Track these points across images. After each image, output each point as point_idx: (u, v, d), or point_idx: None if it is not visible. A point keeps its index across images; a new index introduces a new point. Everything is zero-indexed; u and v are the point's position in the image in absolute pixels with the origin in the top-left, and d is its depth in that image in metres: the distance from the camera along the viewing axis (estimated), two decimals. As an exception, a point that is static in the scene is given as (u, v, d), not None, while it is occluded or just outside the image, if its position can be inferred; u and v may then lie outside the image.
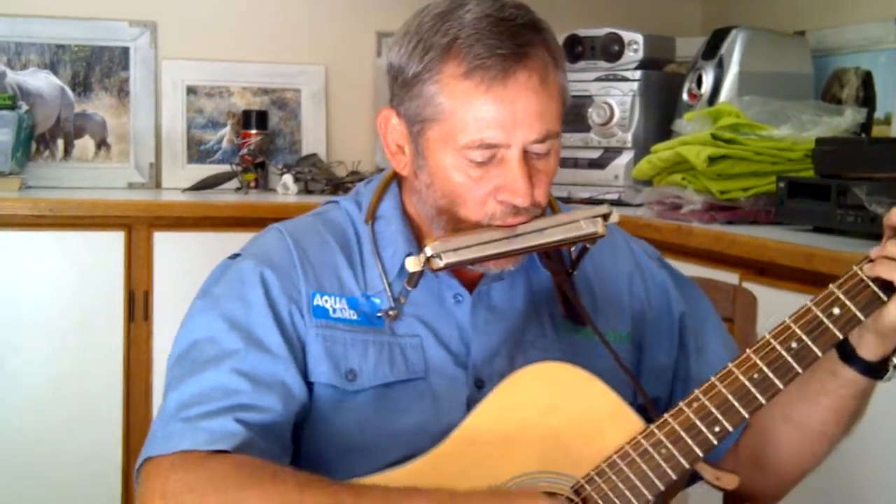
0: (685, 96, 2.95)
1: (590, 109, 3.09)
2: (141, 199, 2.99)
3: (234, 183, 3.35)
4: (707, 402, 1.24)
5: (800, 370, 1.23)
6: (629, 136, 3.07)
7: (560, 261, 1.39)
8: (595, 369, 1.30)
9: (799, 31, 3.06)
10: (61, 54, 3.30)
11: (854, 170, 2.28)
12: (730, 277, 2.26)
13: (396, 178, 1.45)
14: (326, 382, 1.34)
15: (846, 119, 2.64)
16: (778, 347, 1.23)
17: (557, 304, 1.39)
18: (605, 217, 1.33)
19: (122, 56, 3.35)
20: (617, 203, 3.00)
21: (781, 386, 1.23)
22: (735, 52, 2.85)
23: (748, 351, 1.25)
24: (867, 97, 2.86)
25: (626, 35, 3.11)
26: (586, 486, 1.26)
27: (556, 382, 1.29)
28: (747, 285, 2.09)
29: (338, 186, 3.32)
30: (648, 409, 1.31)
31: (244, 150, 3.37)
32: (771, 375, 1.23)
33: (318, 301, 1.36)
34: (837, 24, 3.00)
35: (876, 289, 1.21)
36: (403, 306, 1.37)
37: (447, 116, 1.29)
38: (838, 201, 2.24)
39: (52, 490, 2.81)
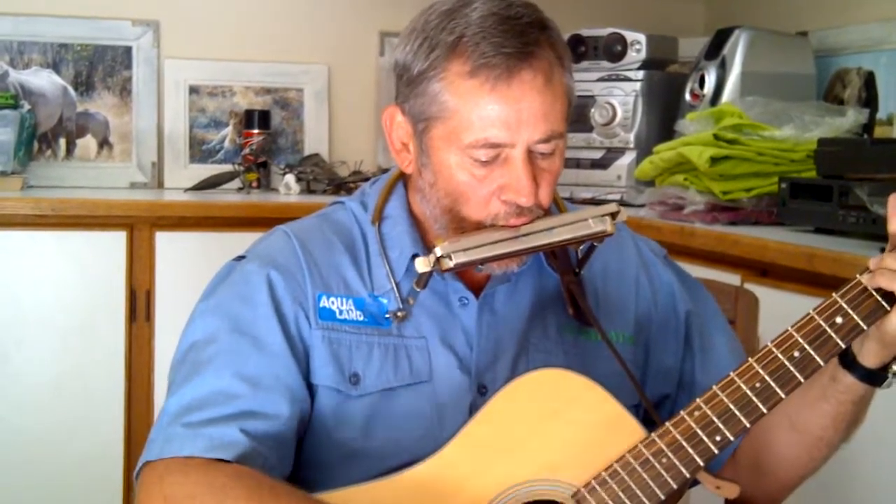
0: (688, 96, 2.94)
1: (592, 109, 3.09)
2: (143, 198, 2.99)
3: (236, 183, 3.34)
4: (708, 411, 1.24)
5: (802, 379, 1.23)
6: (632, 137, 3.06)
7: (567, 261, 1.39)
8: (598, 372, 1.30)
9: (801, 32, 3.05)
10: (64, 53, 3.30)
11: (856, 170, 2.28)
12: (732, 278, 2.26)
13: (402, 178, 1.44)
14: (330, 385, 1.34)
15: (848, 120, 2.64)
16: (780, 356, 1.23)
17: (565, 305, 1.38)
18: (614, 215, 1.33)
19: (124, 55, 3.35)
20: (619, 203, 2.98)
21: (783, 395, 1.23)
22: (738, 52, 2.85)
23: (750, 360, 1.24)
24: (869, 98, 2.86)
25: (629, 35, 3.10)
26: (587, 494, 1.26)
27: (556, 389, 1.29)
28: (749, 286, 2.09)
29: (340, 186, 3.32)
30: (651, 414, 1.31)
31: (246, 150, 3.36)
32: (773, 384, 1.23)
33: (324, 303, 1.36)
34: (840, 24, 3.00)
35: (879, 298, 1.21)
36: (412, 307, 1.37)
37: (452, 115, 1.28)
38: (840, 202, 2.24)
39: (54, 490, 2.81)
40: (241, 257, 1.42)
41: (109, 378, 2.83)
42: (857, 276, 1.23)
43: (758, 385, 1.23)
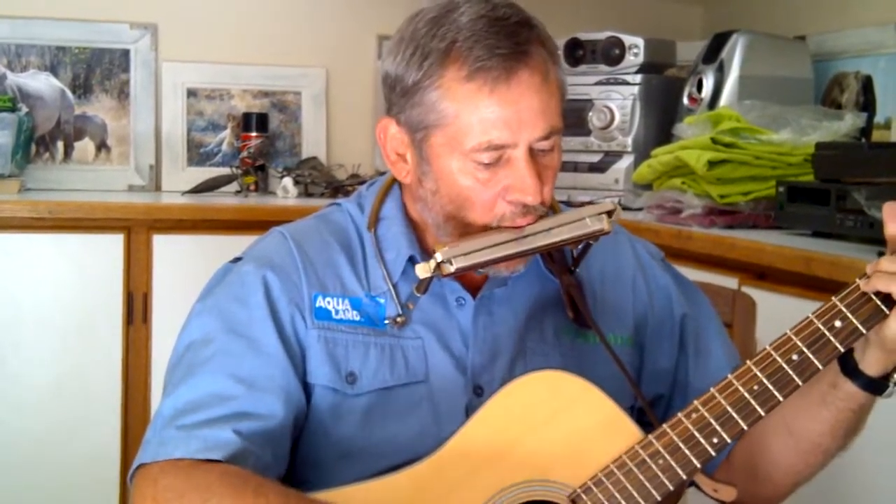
0: (685, 100, 2.94)
1: (590, 113, 3.09)
2: (140, 201, 2.99)
3: (233, 186, 3.34)
4: (706, 413, 1.24)
5: (800, 383, 1.23)
6: (629, 140, 3.06)
7: (564, 263, 1.39)
8: (596, 374, 1.30)
9: (799, 36, 3.06)
10: (61, 56, 3.30)
11: (854, 174, 2.28)
12: (729, 282, 2.26)
13: (399, 181, 1.44)
14: (326, 385, 1.34)
15: (846, 124, 2.64)
16: (779, 359, 1.23)
17: (563, 308, 1.39)
18: (610, 213, 1.33)
19: (122, 58, 3.35)
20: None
21: (781, 398, 1.23)
22: (735, 56, 2.85)
23: (748, 362, 1.24)
24: (867, 102, 2.86)
25: (627, 39, 3.11)
26: (583, 495, 1.26)
27: (554, 391, 1.29)
28: (747, 290, 2.09)
29: (338, 189, 3.32)
30: (648, 416, 1.31)
31: (244, 153, 3.36)
32: (771, 388, 1.23)
33: (320, 303, 1.36)
34: (838, 28, 3.00)
35: (878, 302, 1.21)
36: (412, 312, 1.37)
37: (451, 121, 1.28)
38: (838, 206, 2.24)
39: (51, 491, 2.80)
40: (237, 259, 1.42)
41: (107, 380, 2.83)
42: (857, 280, 1.22)
43: (756, 388, 1.23)
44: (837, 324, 1.22)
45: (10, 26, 3.25)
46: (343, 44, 3.54)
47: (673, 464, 1.24)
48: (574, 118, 3.08)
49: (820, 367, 1.23)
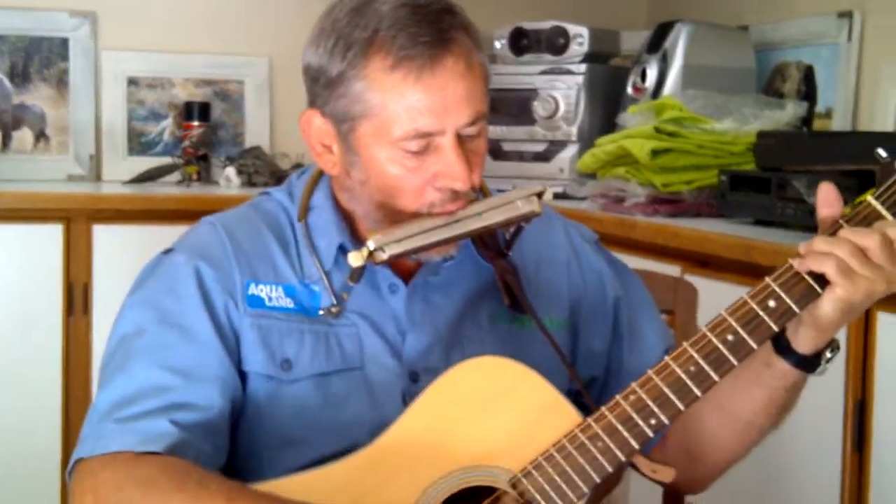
0: (629, 90, 2.95)
1: (535, 103, 3.09)
2: (80, 191, 2.98)
3: (175, 175, 3.32)
4: (644, 395, 1.24)
5: (735, 362, 1.24)
6: (574, 130, 3.07)
7: (497, 247, 1.39)
8: (533, 358, 1.30)
9: (742, 26, 3.08)
10: (-1, 44, 3.25)
11: (795, 163, 2.30)
12: (672, 270, 2.28)
13: None
14: (262, 372, 1.34)
15: (787, 113, 2.66)
16: (714, 340, 1.23)
17: (500, 294, 1.39)
18: (540, 195, 1.33)
19: (61, 47, 3.31)
20: (561, 196, 3.00)
21: (717, 378, 1.24)
22: (679, 46, 2.86)
23: (685, 344, 1.25)
24: (808, 91, 2.88)
25: (572, 28, 3.11)
26: (523, 479, 1.26)
27: (492, 377, 1.29)
28: (689, 278, 2.10)
29: (281, 179, 3.27)
30: (585, 398, 1.31)
31: (186, 143, 3.33)
32: (707, 368, 1.23)
33: (252, 290, 1.35)
34: (780, 18, 3.02)
35: (812, 281, 1.22)
36: (346, 303, 1.36)
37: (378, 111, 1.28)
38: (778, 194, 2.25)
39: (-10, 485, 2.77)
40: (168, 250, 1.41)
41: (47, 371, 2.81)
42: (789, 260, 1.23)
43: (692, 369, 1.24)
44: (771, 304, 1.22)
45: (-54, 14, 3.20)
46: (287, 33, 3.50)
47: (611, 445, 1.24)
48: (519, 108, 3.08)
49: (755, 346, 1.23)
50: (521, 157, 3.10)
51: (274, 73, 3.51)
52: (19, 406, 2.79)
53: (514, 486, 1.26)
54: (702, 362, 1.23)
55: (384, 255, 1.28)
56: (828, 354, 1.28)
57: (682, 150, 2.57)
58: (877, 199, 1.24)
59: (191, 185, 3.28)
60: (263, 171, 3.33)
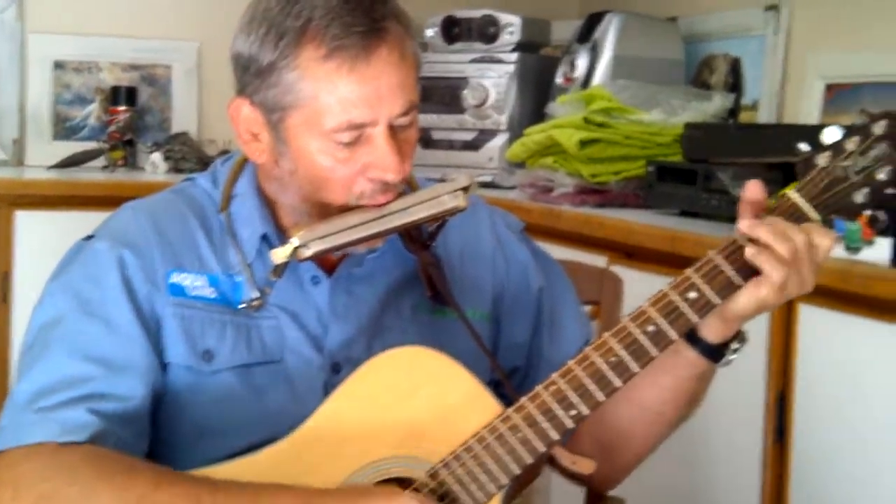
0: (559, 79, 2.96)
1: (465, 91, 3.09)
2: (2, 176, 2.92)
3: (101, 161, 3.27)
4: (563, 386, 1.24)
5: (656, 353, 1.24)
6: (504, 119, 3.07)
7: (421, 239, 1.38)
8: (454, 349, 1.30)
9: (671, 18, 3.09)
10: (-81, 25, 3.18)
11: (721, 155, 2.32)
12: (598, 260, 2.28)
13: None
14: (183, 363, 1.32)
15: (714, 105, 2.69)
16: (634, 331, 1.24)
17: (422, 285, 1.38)
18: (466, 190, 1.32)
19: (-14, 29, 3.24)
20: (490, 185, 3.00)
21: (638, 369, 1.24)
22: (608, 36, 2.88)
23: (606, 335, 1.25)
24: (735, 83, 2.91)
25: (503, 17, 3.11)
26: (442, 470, 1.26)
27: (413, 367, 1.28)
28: (615, 268, 2.11)
29: (208, 165, 3.25)
30: (506, 389, 1.31)
31: (112, 127, 3.28)
32: (627, 359, 1.24)
33: (175, 278, 1.34)
34: (708, 10, 3.04)
35: (731, 274, 1.23)
36: (268, 297, 1.34)
37: (309, 102, 1.26)
38: (704, 186, 2.28)
39: None
40: (90, 237, 1.39)
41: (-34, 361, 2.75)
42: (710, 252, 1.25)
43: (612, 359, 1.24)
44: (691, 295, 1.23)
45: None
46: (216, 17, 3.45)
47: (531, 437, 1.25)
48: (449, 96, 3.08)
49: (674, 337, 1.24)
50: (450, 145, 3.10)
51: (203, 58, 3.47)
52: (-62, 395, 2.74)
53: (432, 476, 1.26)
54: (622, 353, 1.24)
55: (308, 252, 1.27)
56: (734, 345, 1.29)
57: (611, 140, 2.59)
58: (798, 192, 1.26)
59: (116, 171, 3.24)
60: (190, 157, 3.29)
